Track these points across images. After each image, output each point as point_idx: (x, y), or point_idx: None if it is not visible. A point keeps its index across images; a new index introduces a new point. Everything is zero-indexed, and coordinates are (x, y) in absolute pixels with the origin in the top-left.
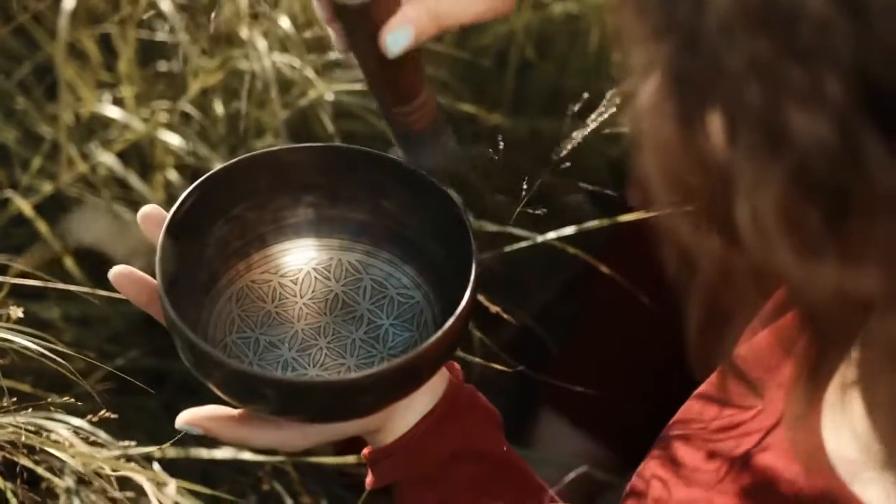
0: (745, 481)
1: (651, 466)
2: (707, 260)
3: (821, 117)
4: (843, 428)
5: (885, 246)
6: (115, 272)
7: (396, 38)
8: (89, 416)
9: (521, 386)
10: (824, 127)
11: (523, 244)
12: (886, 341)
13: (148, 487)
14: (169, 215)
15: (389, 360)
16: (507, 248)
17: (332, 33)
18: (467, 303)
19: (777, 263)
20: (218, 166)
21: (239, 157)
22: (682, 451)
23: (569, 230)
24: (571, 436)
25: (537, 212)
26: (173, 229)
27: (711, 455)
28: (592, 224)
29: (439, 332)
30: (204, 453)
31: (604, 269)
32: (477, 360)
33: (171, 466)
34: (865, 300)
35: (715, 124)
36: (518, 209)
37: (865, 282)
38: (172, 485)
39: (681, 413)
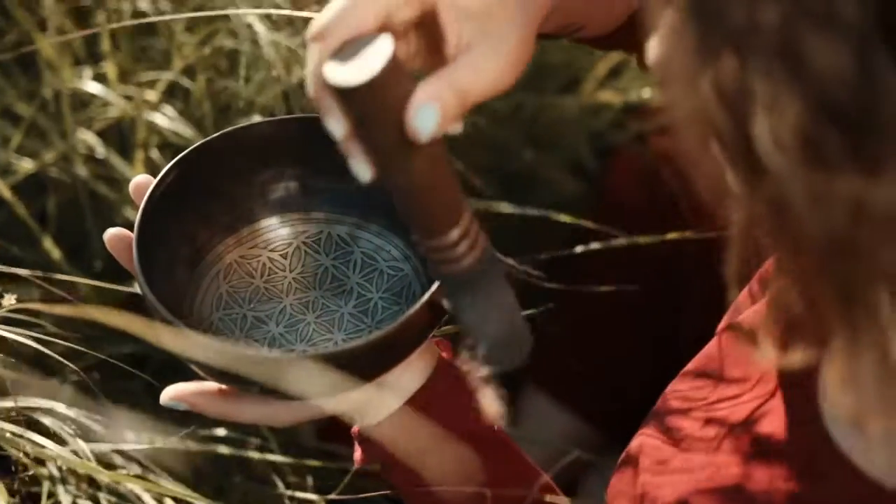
0: (744, 446)
1: (647, 436)
2: (735, 203)
3: (836, 39)
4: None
5: None
6: (109, 234)
7: (426, 116)
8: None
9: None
10: (839, 49)
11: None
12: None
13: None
14: (149, 190)
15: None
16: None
17: (331, 122)
18: None
19: (798, 183)
20: (200, 141)
21: (221, 132)
22: (680, 420)
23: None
24: (555, 414)
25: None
26: (153, 204)
27: (707, 423)
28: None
29: (416, 305)
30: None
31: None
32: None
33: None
34: (882, 217)
35: (731, 50)
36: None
37: (884, 193)
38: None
39: (675, 384)
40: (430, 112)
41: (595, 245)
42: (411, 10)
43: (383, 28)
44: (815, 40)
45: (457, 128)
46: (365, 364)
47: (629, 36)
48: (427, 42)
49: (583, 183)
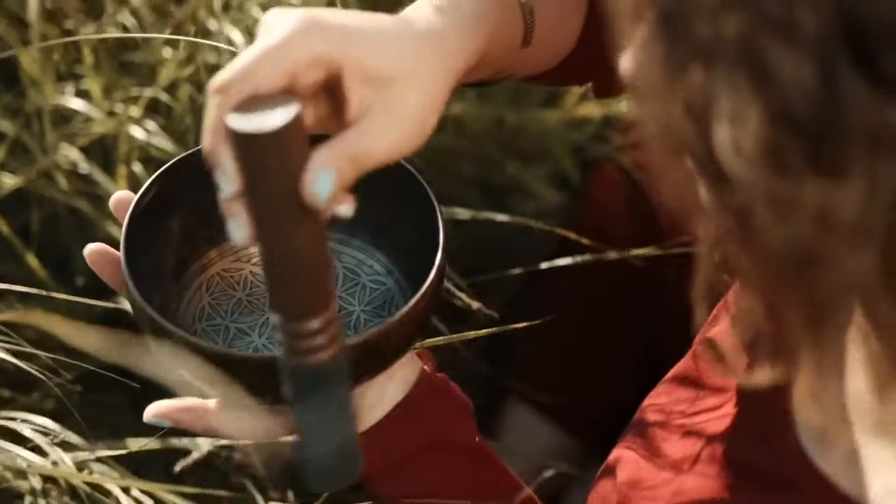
0: (720, 462)
1: (625, 447)
2: (700, 212)
3: (797, 49)
4: (815, 406)
5: (867, 167)
6: (90, 249)
7: (324, 180)
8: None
9: (489, 376)
10: (801, 59)
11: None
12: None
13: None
14: (132, 203)
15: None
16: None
17: (221, 177)
18: (431, 283)
19: (761, 192)
20: (182, 154)
21: (202, 146)
22: (657, 433)
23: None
24: (540, 427)
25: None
26: (137, 217)
27: (686, 436)
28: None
29: (401, 311)
30: (174, 442)
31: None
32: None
33: (133, 461)
34: (846, 224)
35: (698, 62)
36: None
37: (848, 199)
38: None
39: (655, 396)
40: (325, 177)
41: (579, 258)
42: (318, 73)
43: (290, 89)
44: (777, 51)
45: (347, 210)
46: (350, 368)
47: (576, 69)
48: (336, 107)
49: (565, 194)
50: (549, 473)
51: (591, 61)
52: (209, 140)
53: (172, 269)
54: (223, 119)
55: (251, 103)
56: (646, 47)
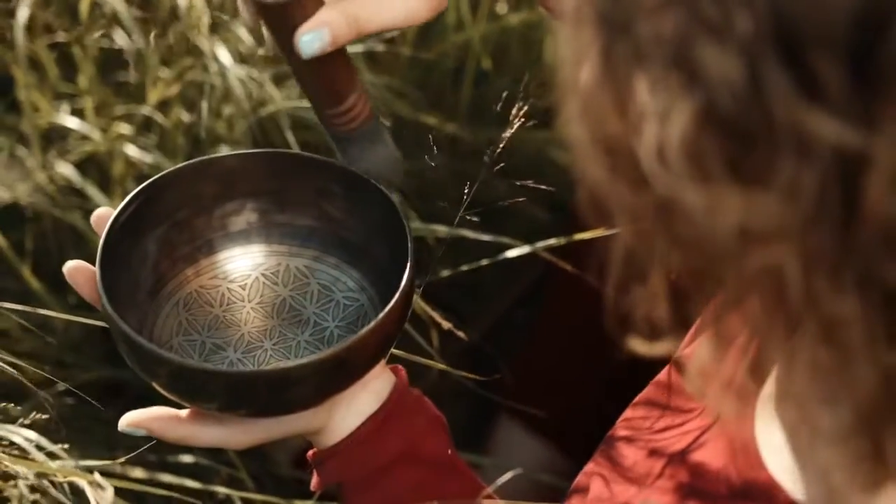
0: (681, 477)
1: (594, 465)
2: (620, 210)
3: (730, 53)
4: (774, 419)
5: (787, 178)
6: (68, 266)
7: (310, 40)
8: (25, 420)
9: (479, 392)
10: (732, 62)
11: (517, 251)
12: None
13: (89, 492)
14: (111, 218)
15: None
16: (505, 255)
17: (262, 31)
18: (397, 301)
19: (681, 197)
20: (163, 171)
21: (184, 163)
22: (625, 450)
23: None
24: (529, 443)
25: (474, 217)
26: (115, 232)
27: (651, 453)
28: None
29: (371, 324)
30: (165, 457)
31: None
32: (440, 366)
33: (124, 476)
34: (768, 234)
35: (630, 60)
36: (461, 213)
37: (766, 211)
38: (110, 490)
39: (626, 414)
40: (319, 36)
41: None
42: None
43: None
44: (708, 49)
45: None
46: (318, 381)
47: None
48: None
49: (557, 215)
50: (511, 474)
51: None
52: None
53: (150, 285)
54: None
55: None
56: (583, 52)
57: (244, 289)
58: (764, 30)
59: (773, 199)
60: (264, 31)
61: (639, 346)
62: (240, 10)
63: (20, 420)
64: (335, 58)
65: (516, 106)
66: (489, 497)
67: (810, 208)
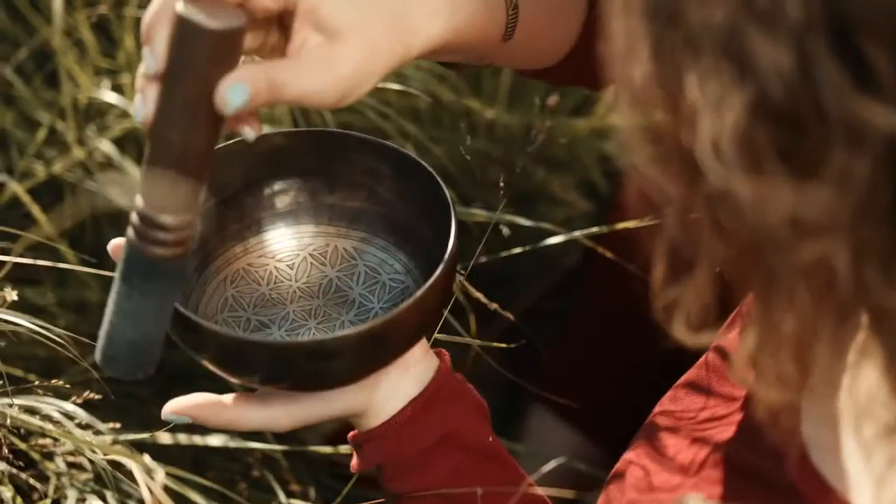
0: (724, 469)
1: (635, 452)
2: (668, 201)
3: (780, 41)
4: (823, 415)
5: (838, 168)
6: (113, 244)
7: (237, 93)
8: (73, 398)
9: (512, 380)
10: (783, 51)
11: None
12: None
13: (137, 473)
14: None
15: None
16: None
17: (148, 53)
18: (438, 278)
19: (734, 189)
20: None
21: (233, 140)
22: (667, 439)
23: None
24: (561, 431)
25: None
26: None
27: (694, 442)
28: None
29: (409, 300)
30: (197, 440)
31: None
32: (477, 343)
33: (161, 453)
34: (819, 226)
35: (680, 51)
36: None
37: (817, 202)
38: (161, 472)
39: (667, 402)
40: (240, 89)
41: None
42: (274, 2)
43: (245, 6)
44: (759, 37)
45: (250, 133)
46: (356, 356)
47: (574, 71)
48: (283, 42)
49: (594, 203)
50: (555, 463)
51: (589, 64)
52: (152, 16)
53: (198, 261)
54: (174, 1)
55: (205, 3)
56: (632, 41)
57: (291, 268)
58: (815, 17)
59: (824, 189)
60: (156, 61)
61: (682, 334)
62: (145, 29)
63: (72, 398)
64: (208, 148)
65: (555, 93)
66: (541, 499)
67: (862, 199)
